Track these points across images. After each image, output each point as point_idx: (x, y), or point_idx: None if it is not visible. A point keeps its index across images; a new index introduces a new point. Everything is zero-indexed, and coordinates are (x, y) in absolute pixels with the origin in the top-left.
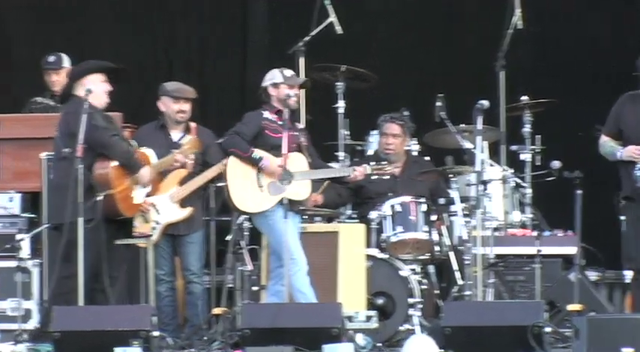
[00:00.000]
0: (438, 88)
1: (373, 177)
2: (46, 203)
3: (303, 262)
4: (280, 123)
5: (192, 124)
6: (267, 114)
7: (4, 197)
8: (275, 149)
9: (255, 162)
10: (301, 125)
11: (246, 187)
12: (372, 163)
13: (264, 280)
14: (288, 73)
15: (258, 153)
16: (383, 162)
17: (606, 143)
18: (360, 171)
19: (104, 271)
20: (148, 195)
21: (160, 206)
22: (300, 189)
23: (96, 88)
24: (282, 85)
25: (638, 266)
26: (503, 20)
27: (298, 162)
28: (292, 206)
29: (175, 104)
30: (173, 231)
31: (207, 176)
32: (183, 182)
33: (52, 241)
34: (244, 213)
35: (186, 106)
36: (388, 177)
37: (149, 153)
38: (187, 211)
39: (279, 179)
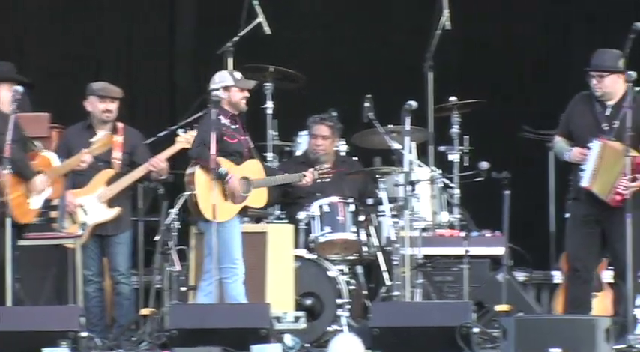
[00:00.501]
0: (366, 89)
1: (319, 181)
2: None
3: (242, 271)
4: (234, 127)
5: (120, 124)
6: (222, 119)
7: None
8: (233, 155)
9: (221, 178)
10: None
11: (212, 196)
12: (316, 167)
13: (192, 280)
14: (238, 75)
15: (224, 167)
16: (325, 166)
17: (558, 143)
18: (309, 178)
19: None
20: (78, 196)
21: (88, 206)
22: (258, 197)
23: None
24: (233, 87)
25: (577, 264)
26: (431, 21)
27: (255, 169)
28: (244, 212)
29: (102, 103)
30: (101, 232)
31: (135, 176)
32: (110, 182)
33: None
34: (207, 220)
35: (113, 106)
36: (329, 179)
37: (50, 156)
38: (115, 211)
39: (242, 190)
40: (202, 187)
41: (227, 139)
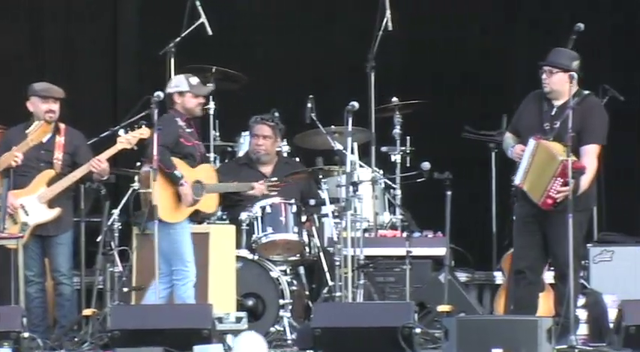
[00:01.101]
0: (308, 89)
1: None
2: None
3: (194, 274)
4: (189, 131)
5: (62, 125)
6: (179, 121)
7: None
8: (188, 157)
9: (175, 181)
10: None
11: (167, 197)
12: (266, 180)
13: (134, 281)
14: (194, 80)
15: (179, 171)
16: (274, 179)
17: (506, 139)
18: (258, 189)
19: None
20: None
21: (29, 207)
22: (209, 202)
23: None
24: (188, 93)
25: (522, 265)
26: (374, 22)
27: (209, 173)
28: (195, 217)
29: (44, 104)
30: (42, 232)
31: (76, 176)
32: (51, 183)
33: None
34: (161, 221)
35: (55, 106)
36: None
37: None
38: (56, 212)
39: (194, 193)
40: (157, 187)
41: (183, 141)
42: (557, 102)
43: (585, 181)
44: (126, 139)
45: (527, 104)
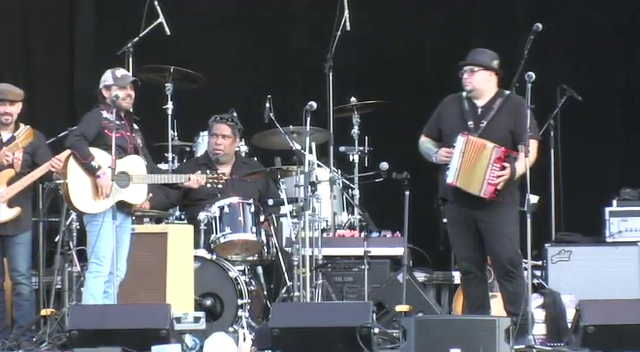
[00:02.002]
0: (266, 89)
1: (208, 186)
2: None
3: (107, 271)
4: (119, 123)
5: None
6: (105, 113)
7: None
8: (116, 149)
9: (92, 171)
10: (136, 126)
11: (84, 187)
12: (207, 172)
13: None
14: (120, 73)
15: (96, 161)
16: (217, 172)
17: (424, 144)
18: (194, 181)
19: None
20: None
21: None
22: (137, 193)
23: None
24: (113, 86)
25: (468, 266)
26: (332, 21)
27: (136, 164)
28: (126, 209)
29: (0, 106)
30: (1, 232)
31: (35, 176)
32: (11, 182)
33: None
34: (79, 211)
35: (12, 108)
36: (221, 186)
37: None
38: (15, 211)
39: (118, 184)
40: (74, 177)
41: (107, 132)
42: (480, 102)
43: (522, 166)
44: None
45: (446, 107)
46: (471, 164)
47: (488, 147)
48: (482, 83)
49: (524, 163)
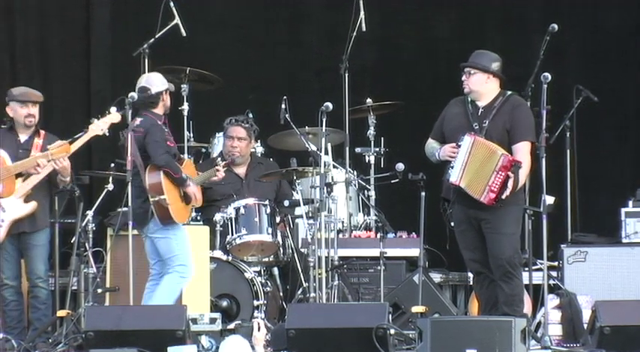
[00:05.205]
0: (282, 90)
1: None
2: None
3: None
4: (167, 130)
5: (42, 132)
6: (161, 124)
7: None
8: (175, 157)
9: (183, 183)
10: None
11: (176, 200)
12: (218, 160)
13: (108, 282)
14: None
15: (184, 173)
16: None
17: (429, 144)
18: (220, 172)
19: None
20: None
21: (5, 203)
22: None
23: None
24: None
25: (477, 268)
26: (348, 22)
27: (191, 169)
28: None
29: (23, 108)
30: (18, 229)
31: (43, 173)
32: (25, 177)
33: None
34: (174, 223)
35: (34, 110)
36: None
37: (3, 154)
38: (31, 206)
39: None
40: (170, 194)
41: (169, 144)
42: (481, 103)
43: (523, 175)
44: (97, 125)
45: (451, 109)
46: (476, 166)
47: (497, 153)
48: (478, 85)
49: (525, 171)
